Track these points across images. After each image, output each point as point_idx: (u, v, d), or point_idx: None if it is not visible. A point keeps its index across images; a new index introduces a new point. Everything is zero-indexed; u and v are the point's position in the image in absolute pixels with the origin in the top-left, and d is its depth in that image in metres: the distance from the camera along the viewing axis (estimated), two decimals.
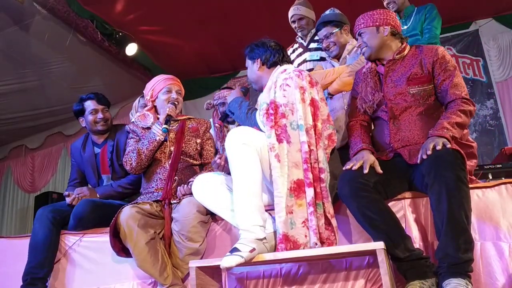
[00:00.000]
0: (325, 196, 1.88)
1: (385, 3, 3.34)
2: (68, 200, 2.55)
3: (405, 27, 3.30)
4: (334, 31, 2.72)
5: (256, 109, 2.10)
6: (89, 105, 2.73)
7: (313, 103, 2.02)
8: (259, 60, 2.22)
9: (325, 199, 1.87)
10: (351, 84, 2.55)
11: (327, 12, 2.85)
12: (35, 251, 2.31)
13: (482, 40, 5.54)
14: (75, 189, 2.59)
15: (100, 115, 2.71)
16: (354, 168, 1.84)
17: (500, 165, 3.42)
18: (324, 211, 1.86)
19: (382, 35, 2.10)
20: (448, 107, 1.92)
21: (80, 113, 2.76)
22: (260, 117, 2.01)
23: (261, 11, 5.04)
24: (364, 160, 1.87)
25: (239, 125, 2.93)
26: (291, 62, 2.32)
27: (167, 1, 4.78)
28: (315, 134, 1.96)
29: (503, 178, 2.71)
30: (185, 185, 2.25)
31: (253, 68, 2.24)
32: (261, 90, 2.24)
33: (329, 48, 2.76)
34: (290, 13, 3.29)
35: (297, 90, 1.99)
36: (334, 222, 1.87)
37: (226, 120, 2.80)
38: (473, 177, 2.03)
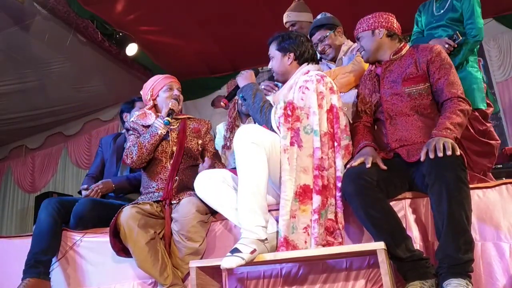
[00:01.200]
0: (340, 206, 1.87)
1: None
2: (84, 194, 2.61)
3: (440, 11, 2.92)
4: (327, 34, 2.74)
5: (271, 106, 2.07)
6: (140, 105, 2.90)
7: (331, 110, 2.00)
8: (292, 54, 2.19)
9: (339, 208, 1.87)
10: (348, 86, 2.56)
11: (319, 16, 2.87)
12: (40, 239, 2.30)
13: (482, 40, 5.53)
14: (92, 186, 2.65)
15: None
16: (353, 164, 1.83)
17: (501, 165, 3.43)
18: (337, 221, 1.85)
19: (377, 38, 2.13)
20: (445, 106, 1.91)
21: (127, 109, 2.99)
22: (276, 116, 1.98)
23: (261, 11, 5.03)
24: (366, 155, 1.86)
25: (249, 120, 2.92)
26: (318, 61, 2.31)
27: (167, 1, 4.78)
28: (332, 141, 1.95)
29: (503, 178, 2.71)
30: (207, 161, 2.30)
31: (283, 61, 2.20)
32: (284, 82, 2.23)
33: (324, 51, 2.78)
34: (283, 20, 3.30)
35: (315, 94, 1.98)
36: (343, 232, 1.86)
37: (232, 102, 2.80)
38: (485, 176, 2.02)
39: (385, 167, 1.83)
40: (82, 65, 5.46)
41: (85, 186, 2.66)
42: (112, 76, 5.80)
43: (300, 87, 2.02)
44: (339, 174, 1.90)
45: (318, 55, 3.02)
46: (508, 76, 5.38)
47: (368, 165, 1.80)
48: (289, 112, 1.94)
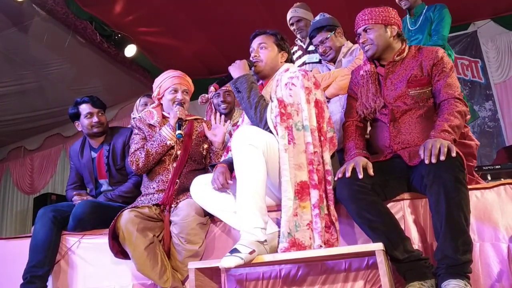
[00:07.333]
0: (331, 199, 1.87)
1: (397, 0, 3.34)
2: (75, 199, 2.58)
3: (415, 27, 3.29)
4: (328, 35, 2.74)
5: (266, 103, 2.03)
6: (84, 108, 2.71)
7: (317, 104, 2.02)
8: (286, 54, 2.23)
9: (331, 201, 1.87)
10: (347, 88, 2.55)
11: (317, 18, 2.86)
12: (36, 251, 2.31)
13: (480, 41, 5.55)
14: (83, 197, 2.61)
15: (95, 119, 2.69)
16: (347, 175, 1.80)
17: (499, 166, 3.44)
18: (330, 214, 1.85)
19: (389, 35, 2.03)
20: (442, 107, 1.89)
21: (76, 117, 2.74)
22: (272, 116, 1.97)
23: (260, 12, 5.05)
24: (355, 163, 1.83)
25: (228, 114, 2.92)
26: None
27: (166, 2, 4.79)
28: (320, 136, 1.96)
29: (501, 179, 2.71)
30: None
31: (277, 56, 2.20)
32: (263, 77, 2.20)
33: (325, 53, 2.78)
34: (288, 16, 3.32)
35: (303, 90, 1.99)
36: (337, 225, 1.86)
37: (208, 104, 2.92)
38: (473, 176, 2.01)
39: (372, 174, 1.81)
40: (80, 67, 5.46)
41: (75, 195, 2.61)
42: (111, 77, 5.81)
43: (286, 84, 2.03)
44: (328, 167, 1.91)
45: (318, 57, 3.03)
46: (506, 78, 5.40)
47: (360, 176, 1.78)
48: (283, 111, 1.95)
